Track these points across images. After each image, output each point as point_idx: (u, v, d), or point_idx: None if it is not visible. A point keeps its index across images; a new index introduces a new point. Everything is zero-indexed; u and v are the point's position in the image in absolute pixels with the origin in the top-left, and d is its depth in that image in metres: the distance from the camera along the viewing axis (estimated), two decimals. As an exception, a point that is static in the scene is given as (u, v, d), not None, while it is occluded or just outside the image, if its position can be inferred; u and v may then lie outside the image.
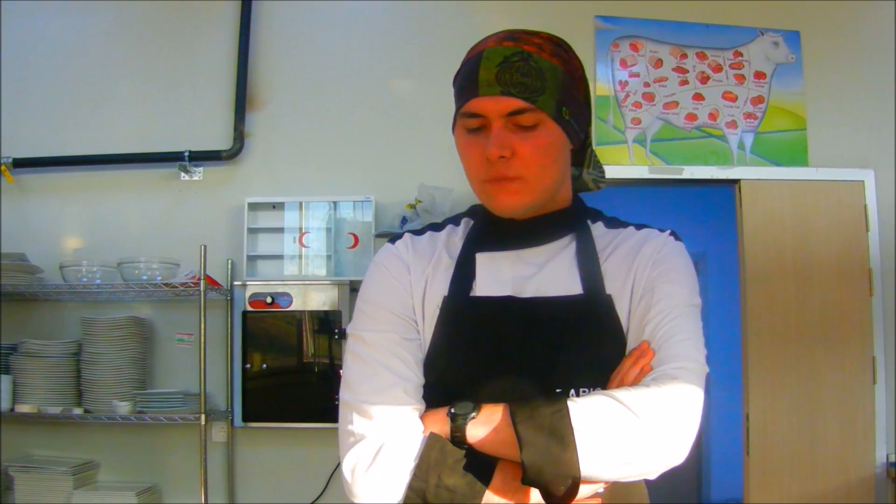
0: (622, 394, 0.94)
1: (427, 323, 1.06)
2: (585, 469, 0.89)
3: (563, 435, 0.89)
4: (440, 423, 0.98)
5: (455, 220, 1.17)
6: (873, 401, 3.25)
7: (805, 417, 3.22)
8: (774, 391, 3.22)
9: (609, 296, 1.04)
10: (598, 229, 1.12)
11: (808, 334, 3.23)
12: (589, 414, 0.91)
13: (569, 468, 0.89)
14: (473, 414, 0.95)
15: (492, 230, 1.10)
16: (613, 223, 1.14)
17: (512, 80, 1.01)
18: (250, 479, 3.21)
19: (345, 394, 1.03)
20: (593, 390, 0.98)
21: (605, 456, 0.90)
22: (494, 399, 0.97)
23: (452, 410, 0.96)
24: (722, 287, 5.05)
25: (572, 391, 0.98)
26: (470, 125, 1.04)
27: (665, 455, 0.93)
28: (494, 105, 1.01)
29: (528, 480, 0.90)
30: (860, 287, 3.26)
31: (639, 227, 1.13)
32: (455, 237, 1.13)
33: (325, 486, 3.06)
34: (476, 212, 1.15)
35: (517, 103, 1.00)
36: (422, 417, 1.00)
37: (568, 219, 1.11)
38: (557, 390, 0.98)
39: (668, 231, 1.12)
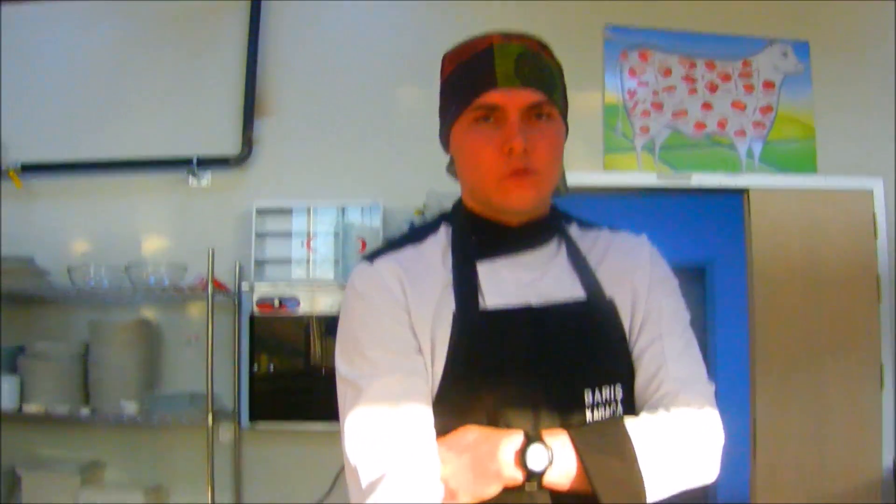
0: (666, 429, 0.99)
1: (438, 344, 1.00)
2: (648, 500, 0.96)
3: (636, 486, 0.94)
4: (500, 448, 0.94)
5: (433, 229, 1.11)
6: (880, 407, 3.25)
7: (812, 423, 3.22)
8: (782, 396, 3.22)
9: (611, 299, 1.05)
10: (573, 231, 1.13)
11: (815, 341, 3.23)
12: (653, 455, 0.96)
13: None
14: (548, 465, 0.93)
15: (485, 237, 1.07)
16: (583, 224, 1.15)
17: (531, 74, 1.02)
18: (257, 479, 3.22)
19: (352, 456, 0.97)
20: (613, 388, 1.02)
21: (662, 489, 0.97)
22: (526, 410, 0.98)
23: (528, 465, 0.93)
24: (729, 294, 5.05)
25: (598, 394, 1.01)
26: (481, 118, 1.02)
27: (703, 475, 1.01)
28: (514, 97, 1.00)
29: None
30: (868, 294, 3.26)
31: (612, 230, 1.14)
32: (441, 246, 1.08)
33: (332, 487, 3.07)
34: (454, 218, 1.11)
35: (538, 96, 1.01)
36: (475, 439, 0.96)
37: (553, 222, 1.11)
38: (587, 391, 1.00)
39: (644, 235, 1.14)
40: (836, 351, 3.24)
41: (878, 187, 3.28)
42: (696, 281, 5.43)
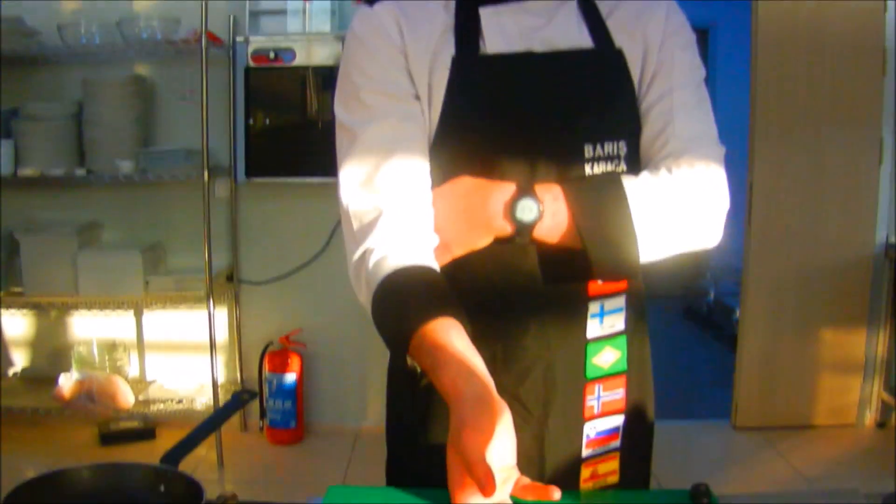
0: (666, 189, 0.96)
1: (435, 89, 0.97)
2: (641, 260, 0.94)
3: (628, 244, 0.92)
4: (491, 199, 0.93)
5: None
6: (878, 181, 3.26)
7: (809, 192, 3.23)
8: (780, 163, 3.23)
9: (620, 49, 1.00)
10: None
11: (817, 109, 3.21)
12: (648, 214, 0.93)
13: (631, 271, 0.95)
14: (538, 218, 0.92)
15: None
16: None
17: None
18: (253, 234, 3.25)
19: (346, 200, 0.96)
20: (617, 144, 0.98)
21: (658, 250, 0.96)
22: (522, 160, 0.95)
23: (517, 216, 0.91)
24: (732, 56, 4.99)
25: (599, 149, 0.97)
26: None
27: (703, 238, 0.99)
28: None
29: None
30: (873, 66, 3.22)
31: None
32: None
33: (328, 240, 3.09)
34: None
35: None
36: (466, 189, 0.94)
37: None
38: (587, 145, 0.97)
39: None
40: (837, 122, 3.23)
41: (891, -44, 3.19)
42: (698, 42, 5.30)
